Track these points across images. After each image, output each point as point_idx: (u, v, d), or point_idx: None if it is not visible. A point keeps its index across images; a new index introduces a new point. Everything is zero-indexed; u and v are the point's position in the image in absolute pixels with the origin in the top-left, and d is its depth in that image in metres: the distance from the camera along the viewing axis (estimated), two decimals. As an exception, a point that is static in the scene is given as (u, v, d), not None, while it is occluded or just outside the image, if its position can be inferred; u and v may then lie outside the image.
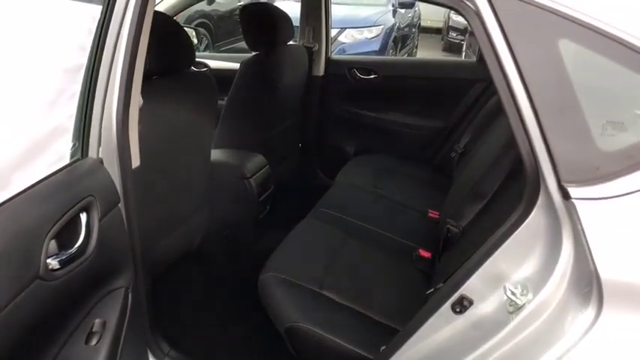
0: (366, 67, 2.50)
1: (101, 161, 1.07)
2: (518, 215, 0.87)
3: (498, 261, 0.91)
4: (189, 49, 1.55)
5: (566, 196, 0.79)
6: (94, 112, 1.02)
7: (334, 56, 2.58)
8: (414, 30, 7.69)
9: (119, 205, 1.08)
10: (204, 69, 2.84)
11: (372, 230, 1.79)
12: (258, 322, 1.50)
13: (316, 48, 2.46)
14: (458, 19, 8.70)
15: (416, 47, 7.76)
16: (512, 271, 0.90)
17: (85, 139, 1.04)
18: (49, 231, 0.81)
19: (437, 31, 9.87)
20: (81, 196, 0.92)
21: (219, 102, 2.17)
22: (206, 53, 3.55)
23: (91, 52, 0.95)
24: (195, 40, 3.28)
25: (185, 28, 3.09)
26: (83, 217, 0.92)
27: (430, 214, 1.96)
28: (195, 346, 1.57)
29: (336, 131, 2.66)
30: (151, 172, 1.44)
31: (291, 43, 2.26)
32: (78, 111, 0.98)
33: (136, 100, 1.17)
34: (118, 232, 1.07)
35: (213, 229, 1.96)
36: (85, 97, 1.00)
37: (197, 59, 2.84)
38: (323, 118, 2.64)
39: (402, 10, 6.77)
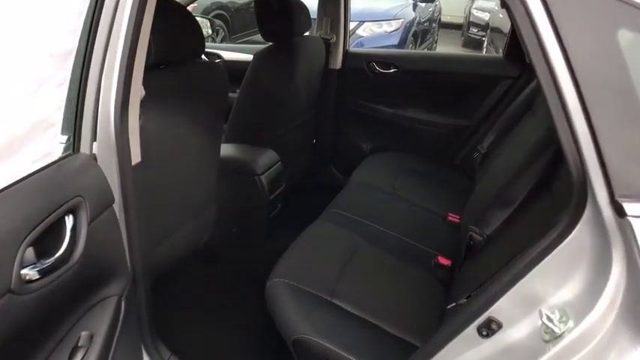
0: (385, 60, 2.38)
1: (94, 157, 0.98)
2: (559, 231, 0.76)
3: (533, 281, 0.80)
4: (199, 38, 1.45)
5: (620, 212, 0.67)
6: (86, 102, 0.93)
7: (352, 49, 2.47)
8: (434, 25, 7.53)
9: (114, 205, 0.99)
10: (218, 60, 2.75)
11: (388, 234, 1.68)
12: (266, 330, 1.41)
13: (334, 40, 2.35)
14: (479, 15, 8.51)
15: (435, 42, 7.58)
16: (549, 293, 0.79)
17: (77, 133, 0.95)
18: (26, 237, 0.72)
19: (457, 26, 9.68)
20: (67, 197, 0.83)
21: (232, 95, 2.09)
22: (220, 44, 3.46)
23: (83, 36, 0.86)
24: (209, 31, 3.20)
25: (199, 18, 3.03)
26: (69, 220, 0.83)
27: (450, 218, 1.84)
28: (197, 353, 1.49)
29: (352, 127, 2.55)
30: (154, 168, 1.36)
31: (307, 34, 2.15)
32: (68, 102, 0.89)
33: (137, 90, 1.08)
34: (112, 235, 0.98)
35: (222, 228, 1.88)
36: (77, 86, 0.91)
37: (210, 50, 2.76)
38: (339, 114, 2.53)
39: (423, 4, 6.61)
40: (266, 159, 1.87)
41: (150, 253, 1.43)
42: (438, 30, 7.86)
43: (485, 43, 7.51)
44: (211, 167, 1.69)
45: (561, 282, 0.78)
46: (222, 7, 6.21)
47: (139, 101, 1.11)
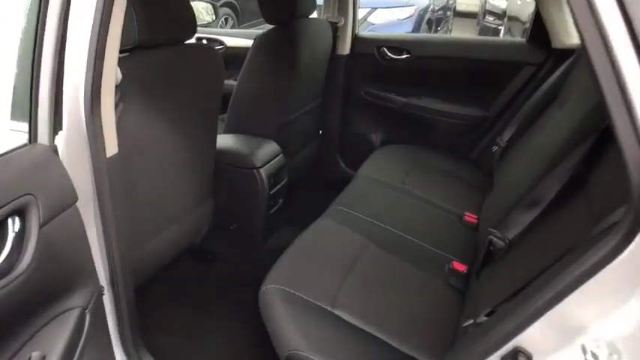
0: (397, 45, 2.22)
1: (54, 149, 0.84)
2: (612, 245, 0.60)
3: (573, 307, 0.65)
4: (189, 18, 1.31)
5: None
6: (41, 87, 0.79)
7: (362, 33, 2.30)
8: (448, 13, 7.30)
9: (78, 203, 0.86)
10: (220, 47, 2.60)
11: (398, 235, 1.53)
12: (261, 341, 1.27)
13: (342, 23, 2.19)
14: (495, 3, 8.22)
15: (450, 31, 7.34)
16: (594, 323, 0.64)
17: (33, 121, 0.81)
18: None
19: (472, 15, 9.39)
20: (13, 196, 0.70)
21: (233, 82, 1.95)
22: (222, 30, 3.29)
23: (32, 10, 0.72)
24: (213, 16, 3.05)
25: (202, 3, 2.88)
26: (12, 223, 0.69)
27: (467, 218, 1.68)
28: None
29: (361, 117, 2.39)
30: (138, 161, 1.22)
31: (313, 16, 1.99)
32: (19, 86, 0.75)
33: (111, 75, 0.94)
34: (74, 238, 0.85)
35: (218, 224, 1.75)
36: (29, 68, 0.77)
37: (212, 36, 2.62)
38: (347, 102, 2.38)
39: (437, -9, 6.39)
40: (266, 151, 1.73)
41: (137, 251, 1.30)
42: (452, 18, 7.61)
43: (502, 32, 7.25)
44: (206, 159, 1.55)
45: (611, 309, 0.63)
46: (230, -6, 6.04)
47: (113, 87, 0.97)
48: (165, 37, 1.23)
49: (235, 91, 1.84)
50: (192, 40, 2.62)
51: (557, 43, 1.94)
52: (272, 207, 1.77)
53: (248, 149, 1.69)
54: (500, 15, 7.78)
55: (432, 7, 5.94)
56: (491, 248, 1.22)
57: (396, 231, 1.54)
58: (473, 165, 2.16)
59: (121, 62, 0.98)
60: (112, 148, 1.00)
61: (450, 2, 7.45)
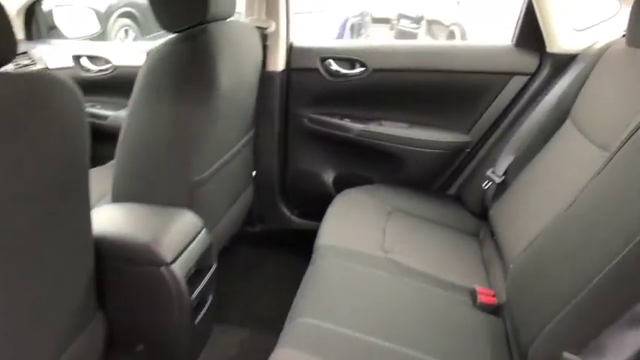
0: (348, 56, 1.69)
1: None
2: None
3: None
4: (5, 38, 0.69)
5: None
6: None
7: (299, 42, 1.74)
8: (367, 18, 7.06)
9: None
10: (106, 66, 1.92)
11: (395, 353, 0.99)
12: None
13: (272, 29, 1.62)
14: (409, 7, 8.08)
15: (368, 36, 7.06)
16: None
17: None
18: None
19: (384, 20, 9.25)
20: None
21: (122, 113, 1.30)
22: (107, 43, 2.53)
23: None
24: (97, 27, 2.34)
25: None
26: None
27: (482, 298, 1.18)
28: None
29: (306, 151, 1.84)
30: None
31: (232, 19, 1.39)
32: None
33: None
34: None
35: (121, 346, 1.10)
36: None
37: (94, 54, 1.94)
38: (287, 133, 1.81)
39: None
40: (178, 231, 1.11)
41: None
42: (370, 23, 7.38)
43: (421, 35, 7.08)
44: (75, 257, 0.91)
45: None
46: (130, 3, 5.25)
47: None
48: None
49: (123, 136, 1.20)
50: (45, 63, 1.94)
51: (553, 47, 1.51)
52: (197, 314, 1.15)
53: (148, 233, 1.05)
54: (416, 19, 7.66)
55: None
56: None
57: (392, 345, 1.00)
58: (455, 204, 1.68)
59: None
60: None
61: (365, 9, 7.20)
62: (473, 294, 1.20)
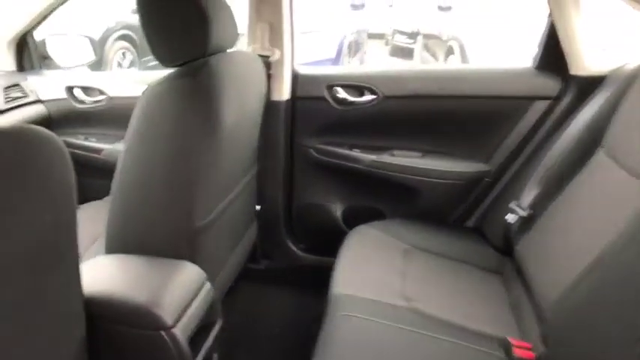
0: (357, 83, 1.59)
1: None
2: None
3: None
4: None
5: None
6: None
7: (304, 69, 1.65)
8: (363, 35, 7.04)
9: None
10: (100, 98, 1.82)
11: None
12: None
13: (276, 57, 1.53)
14: (405, 23, 8.06)
15: (365, 53, 7.02)
16: None
17: None
18: None
19: (379, 36, 9.24)
20: None
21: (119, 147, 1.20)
22: (102, 73, 2.41)
23: None
24: (92, 56, 2.25)
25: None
26: None
27: (517, 352, 1.06)
28: None
29: (313, 184, 1.73)
30: None
31: (233, 50, 1.29)
32: None
33: None
34: None
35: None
36: None
37: (89, 85, 1.84)
38: (292, 165, 1.71)
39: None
40: (180, 287, 0.99)
41: None
42: (367, 40, 7.38)
43: (417, 50, 7.02)
44: (58, 320, 0.80)
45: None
46: (127, 26, 5.22)
47: None
48: None
49: (118, 178, 1.09)
50: (37, 95, 1.84)
51: (577, 69, 1.42)
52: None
53: (146, 292, 0.94)
54: (411, 34, 7.62)
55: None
56: None
57: None
58: (475, 237, 1.57)
59: None
60: None
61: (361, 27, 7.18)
62: (506, 346, 1.08)
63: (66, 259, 0.76)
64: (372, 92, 1.57)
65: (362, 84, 1.58)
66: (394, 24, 8.25)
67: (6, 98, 1.73)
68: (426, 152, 1.61)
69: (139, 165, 1.06)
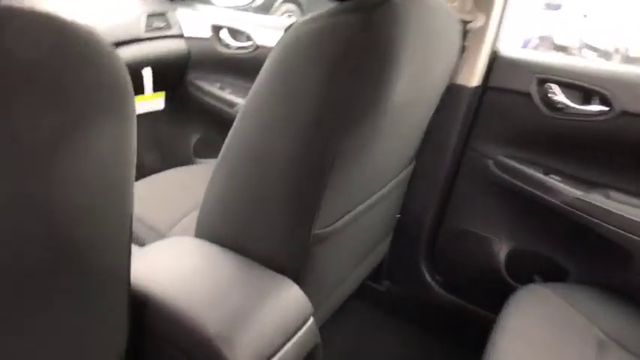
0: (583, 83, 1.10)
1: None
2: None
3: None
4: None
5: None
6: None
7: (507, 50, 1.19)
8: (546, 43, 6.18)
9: None
10: (245, 45, 1.57)
11: None
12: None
13: (479, 24, 1.10)
14: (596, 39, 6.94)
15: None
16: None
17: None
18: None
19: (563, 48, 8.17)
20: None
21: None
22: (255, 15, 2.10)
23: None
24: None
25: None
26: None
27: None
28: None
29: (478, 205, 1.29)
30: None
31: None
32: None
33: None
34: None
35: None
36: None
37: (238, 27, 1.59)
38: (457, 174, 1.29)
39: None
40: (270, 322, 0.65)
41: None
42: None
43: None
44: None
45: None
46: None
47: None
48: None
49: (225, 148, 0.78)
50: (181, 28, 1.63)
51: None
52: None
53: (221, 318, 0.61)
54: (604, 52, 6.50)
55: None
56: None
57: None
58: None
59: None
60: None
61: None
62: None
63: (117, 215, 0.48)
64: (604, 101, 1.07)
65: (591, 86, 1.09)
66: (585, 36, 7.15)
67: (147, 27, 1.55)
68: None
69: (257, 134, 0.74)
